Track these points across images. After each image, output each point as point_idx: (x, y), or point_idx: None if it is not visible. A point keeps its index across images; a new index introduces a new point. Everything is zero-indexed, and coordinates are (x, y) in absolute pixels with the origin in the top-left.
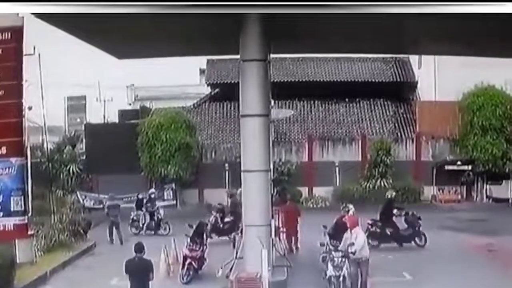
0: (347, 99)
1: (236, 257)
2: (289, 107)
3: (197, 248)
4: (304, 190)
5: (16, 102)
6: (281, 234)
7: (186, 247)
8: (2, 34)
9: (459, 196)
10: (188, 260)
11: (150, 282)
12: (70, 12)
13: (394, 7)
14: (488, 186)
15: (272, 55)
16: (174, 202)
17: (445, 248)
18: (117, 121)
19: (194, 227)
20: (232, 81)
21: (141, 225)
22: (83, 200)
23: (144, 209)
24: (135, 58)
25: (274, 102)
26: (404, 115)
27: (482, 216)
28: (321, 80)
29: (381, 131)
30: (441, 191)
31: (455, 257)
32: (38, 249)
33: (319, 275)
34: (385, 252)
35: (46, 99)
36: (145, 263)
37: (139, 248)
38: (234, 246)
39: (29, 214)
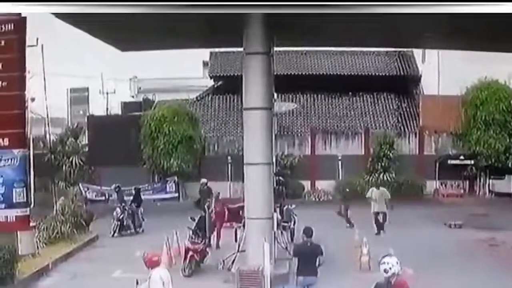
0: (350, 93)
1: (238, 250)
2: (292, 100)
3: (199, 241)
4: (307, 184)
5: (19, 94)
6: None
7: (188, 240)
8: (4, 25)
9: (462, 191)
10: (190, 253)
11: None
12: (71, 12)
13: (394, 7)
14: (490, 181)
15: (275, 48)
16: (177, 194)
17: (447, 243)
18: (119, 113)
19: (196, 220)
20: (236, 74)
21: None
22: (85, 192)
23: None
24: (138, 50)
25: (277, 95)
26: (407, 109)
27: (484, 211)
28: (325, 73)
29: (384, 125)
30: (443, 185)
31: (457, 251)
32: (40, 241)
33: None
34: (383, 245)
35: (49, 90)
36: (314, 247)
37: (308, 232)
38: (236, 239)
39: (31, 206)
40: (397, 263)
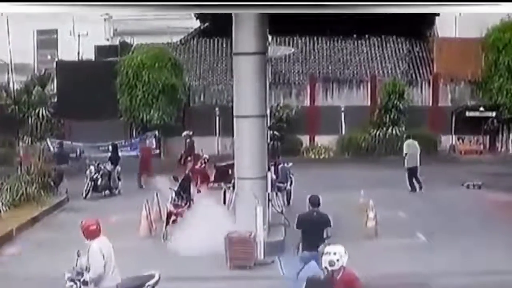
0: (355, 35)
1: None
2: (289, 44)
3: (183, 204)
4: (305, 139)
5: None
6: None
7: (171, 202)
8: None
9: (481, 147)
10: (173, 217)
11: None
12: (70, 12)
13: (394, 7)
14: None
15: None
16: (158, 151)
17: (464, 206)
18: (93, 58)
19: (180, 180)
20: (225, 14)
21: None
22: (54, 148)
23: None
24: None
25: (272, 38)
26: (420, 54)
27: (507, 169)
28: (326, 12)
29: (394, 72)
30: (461, 140)
31: (476, 216)
32: (2, 204)
33: None
34: (396, 209)
35: (12, 32)
36: (321, 217)
37: (315, 201)
38: (224, 202)
39: None
40: (345, 252)
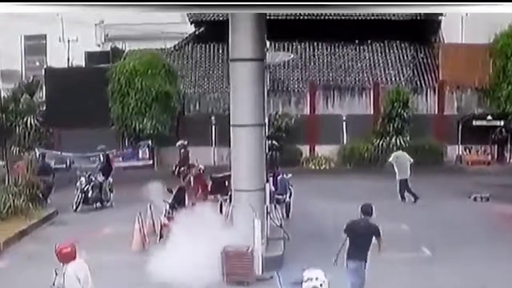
0: (356, 41)
1: None
2: (288, 49)
3: None
4: (305, 149)
5: None
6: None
7: (165, 215)
8: None
9: (489, 157)
10: (167, 231)
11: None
12: (69, 12)
13: (394, 7)
14: None
15: None
16: (151, 162)
17: (471, 219)
18: (83, 65)
19: (174, 192)
20: (221, 19)
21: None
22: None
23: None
24: None
25: (270, 44)
26: (425, 60)
27: None
28: (326, 17)
29: (397, 79)
30: (467, 150)
31: (483, 229)
32: None
33: (316, 247)
34: (400, 221)
35: None
36: (370, 226)
37: (368, 210)
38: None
39: None
40: (325, 275)
